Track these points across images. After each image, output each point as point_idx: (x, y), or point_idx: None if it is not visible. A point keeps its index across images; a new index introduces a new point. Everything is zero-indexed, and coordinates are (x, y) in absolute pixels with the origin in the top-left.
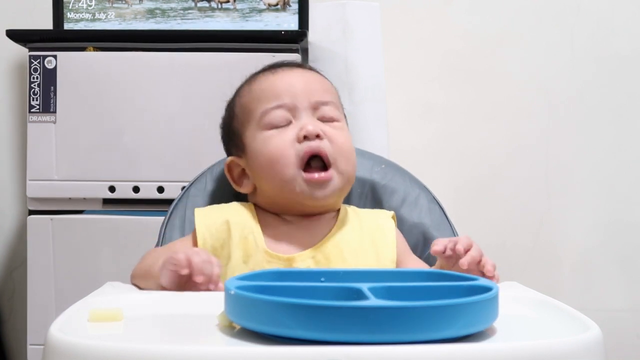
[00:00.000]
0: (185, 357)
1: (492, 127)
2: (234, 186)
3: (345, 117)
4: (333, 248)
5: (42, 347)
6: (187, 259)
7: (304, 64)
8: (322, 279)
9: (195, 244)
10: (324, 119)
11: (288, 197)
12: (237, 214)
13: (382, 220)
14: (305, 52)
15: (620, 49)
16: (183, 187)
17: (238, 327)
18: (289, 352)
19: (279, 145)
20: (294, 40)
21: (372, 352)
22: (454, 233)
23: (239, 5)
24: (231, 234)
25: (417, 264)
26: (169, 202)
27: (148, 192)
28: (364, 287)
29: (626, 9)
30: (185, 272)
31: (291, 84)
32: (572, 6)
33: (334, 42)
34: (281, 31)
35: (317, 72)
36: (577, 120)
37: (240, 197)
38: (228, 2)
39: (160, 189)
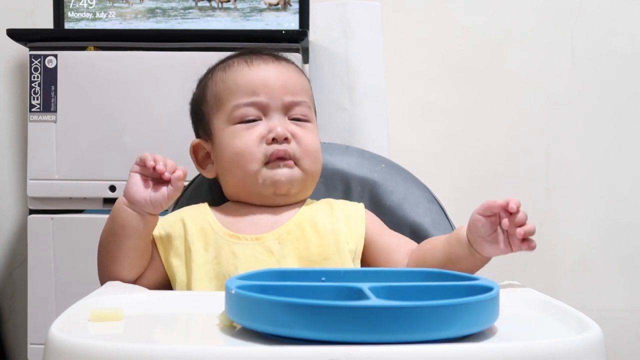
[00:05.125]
0: (186, 357)
1: (492, 127)
2: (197, 168)
3: (314, 112)
4: (305, 223)
5: (42, 346)
6: (148, 155)
7: (279, 56)
8: (323, 279)
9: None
10: (295, 119)
11: (250, 190)
12: (191, 211)
13: (352, 205)
14: (305, 52)
15: (620, 49)
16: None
17: (239, 326)
18: (289, 352)
19: (246, 143)
20: (294, 39)
21: (372, 352)
22: None
23: (239, 5)
24: (187, 228)
25: (392, 239)
26: None
27: None
28: (365, 286)
29: (626, 9)
30: (151, 162)
31: (266, 81)
32: (572, 6)
33: (334, 42)
34: (282, 31)
35: (292, 65)
36: (577, 120)
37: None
38: (229, 1)
39: None
